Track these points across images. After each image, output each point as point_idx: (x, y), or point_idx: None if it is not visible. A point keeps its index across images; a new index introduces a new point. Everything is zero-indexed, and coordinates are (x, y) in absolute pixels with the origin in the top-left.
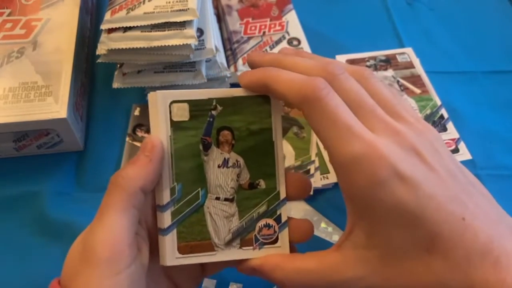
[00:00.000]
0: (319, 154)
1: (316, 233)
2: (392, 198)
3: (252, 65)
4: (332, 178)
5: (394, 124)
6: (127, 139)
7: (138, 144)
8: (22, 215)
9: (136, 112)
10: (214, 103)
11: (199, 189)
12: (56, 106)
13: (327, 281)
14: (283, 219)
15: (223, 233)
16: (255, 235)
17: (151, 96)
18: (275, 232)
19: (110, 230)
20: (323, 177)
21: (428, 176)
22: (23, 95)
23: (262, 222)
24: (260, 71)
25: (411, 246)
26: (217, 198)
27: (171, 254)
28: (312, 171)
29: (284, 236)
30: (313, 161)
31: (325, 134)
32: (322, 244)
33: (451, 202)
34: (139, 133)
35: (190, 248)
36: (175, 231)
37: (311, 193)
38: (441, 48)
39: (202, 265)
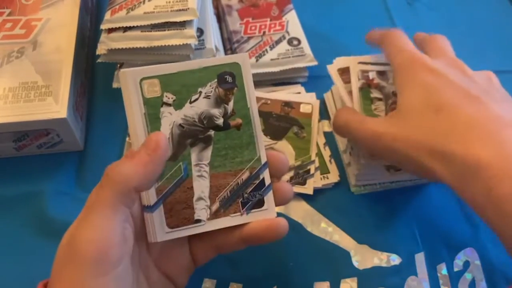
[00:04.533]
0: (319, 154)
1: (316, 233)
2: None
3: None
4: (332, 178)
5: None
6: (127, 139)
7: None
8: (22, 215)
9: None
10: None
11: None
12: (56, 106)
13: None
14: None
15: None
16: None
17: (121, 75)
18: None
19: (98, 229)
20: (323, 177)
21: (457, 76)
22: (23, 95)
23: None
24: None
25: (424, 107)
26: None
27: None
28: (312, 171)
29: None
30: (313, 161)
31: None
32: (322, 244)
33: (467, 94)
34: None
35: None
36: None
37: (287, 171)
38: None
39: (192, 253)
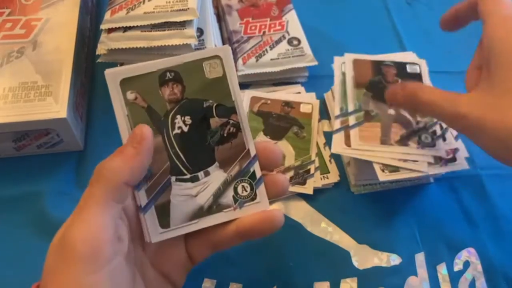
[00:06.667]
0: (319, 154)
1: (316, 233)
2: None
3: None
4: (332, 178)
5: None
6: None
7: None
8: (22, 215)
9: None
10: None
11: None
12: (56, 106)
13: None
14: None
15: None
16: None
17: (106, 75)
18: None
19: (90, 226)
20: (323, 177)
21: None
22: (23, 95)
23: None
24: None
25: None
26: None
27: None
28: (312, 171)
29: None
30: (313, 161)
31: None
32: (322, 244)
33: None
34: None
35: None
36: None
37: (282, 162)
38: (441, 48)
39: (188, 251)
